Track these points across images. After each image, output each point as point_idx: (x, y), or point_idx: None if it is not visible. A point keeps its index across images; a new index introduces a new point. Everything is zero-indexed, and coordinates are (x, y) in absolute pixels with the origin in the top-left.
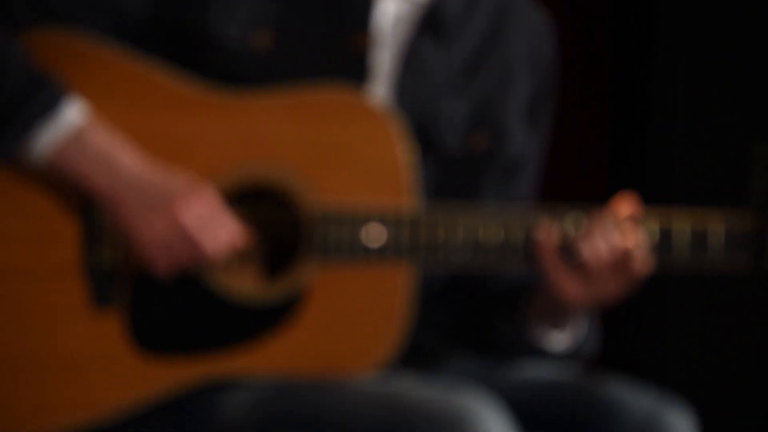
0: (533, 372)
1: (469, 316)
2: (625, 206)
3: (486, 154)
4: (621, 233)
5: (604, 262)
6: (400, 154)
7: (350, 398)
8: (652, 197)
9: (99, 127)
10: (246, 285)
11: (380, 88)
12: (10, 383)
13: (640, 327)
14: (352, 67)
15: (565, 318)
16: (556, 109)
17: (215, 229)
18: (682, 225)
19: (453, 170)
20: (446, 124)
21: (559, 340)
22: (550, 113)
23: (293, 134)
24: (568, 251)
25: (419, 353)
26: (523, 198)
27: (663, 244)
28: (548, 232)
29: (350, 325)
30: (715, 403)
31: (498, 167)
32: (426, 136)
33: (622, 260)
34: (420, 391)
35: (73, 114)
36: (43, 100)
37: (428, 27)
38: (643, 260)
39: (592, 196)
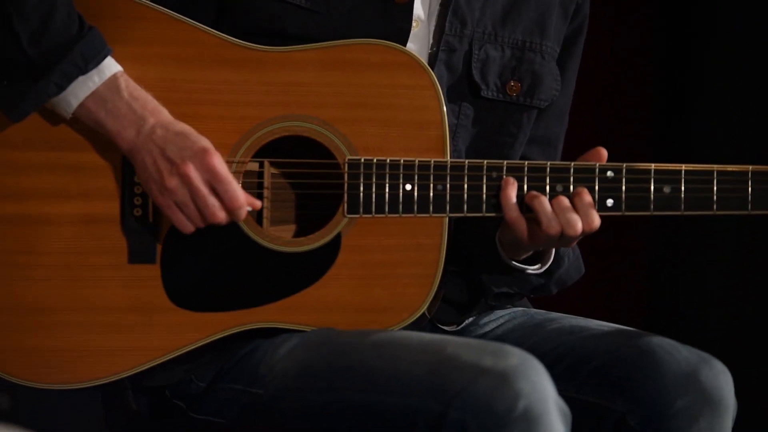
0: (577, 322)
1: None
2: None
3: (521, 100)
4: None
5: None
6: (438, 110)
7: (390, 343)
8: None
9: (131, 80)
10: (283, 236)
11: (423, 38)
12: (54, 331)
13: (680, 295)
14: (396, 18)
15: (518, 247)
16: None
17: (223, 189)
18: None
19: (490, 113)
20: (486, 70)
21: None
22: (580, 56)
23: (334, 86)
24: (527, 206)
25: (453, 304)
26: (553, 141)
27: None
28: (513, 184)
29: (387, 276)
30: (750, 364)
31: (531, 112)
32: (468, 82)
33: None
34: (463, 342)
35: (111, 65)
36: (85, 49)
37: None
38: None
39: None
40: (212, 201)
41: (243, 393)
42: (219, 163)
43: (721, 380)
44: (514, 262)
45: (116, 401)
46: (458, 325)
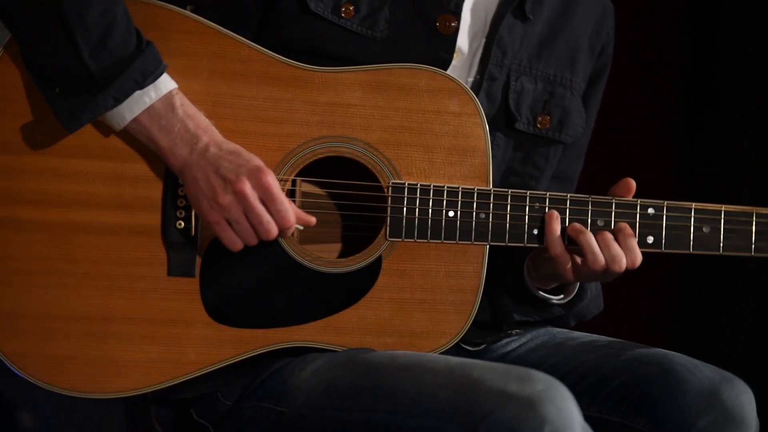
0: (599, 341)
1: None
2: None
3: (549, 134)
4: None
5: (597, 264)
6: (483, 137)
7: (416, 365)
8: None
9: (185, 97)
10: (324, 257)
11: (461, 69)
12: (89, 341)
13: (703, 313)
14: (439, 48)
15: (556, 280)
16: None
17: (276, 208)
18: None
19: (520, 146)
20: (521, 101)
21: (550, 294)
22: (602, 95)
23: (379, 109)
24: (569, 239)
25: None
26: (570, 177)
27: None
28: (557, 218)
29: (426, 301)
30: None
31: (558, 147)
32: (504, 112)
33: (609, 266)
34: (489, 366)
35: (167, 81)
36: (143, 65)
37: (511, 9)
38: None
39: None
40: (267, 218)
41: (269, 411)
42: (273, 181)
43: (743, 399)
44: (540, 292)
45: (139, 421)
46: (480, 346)
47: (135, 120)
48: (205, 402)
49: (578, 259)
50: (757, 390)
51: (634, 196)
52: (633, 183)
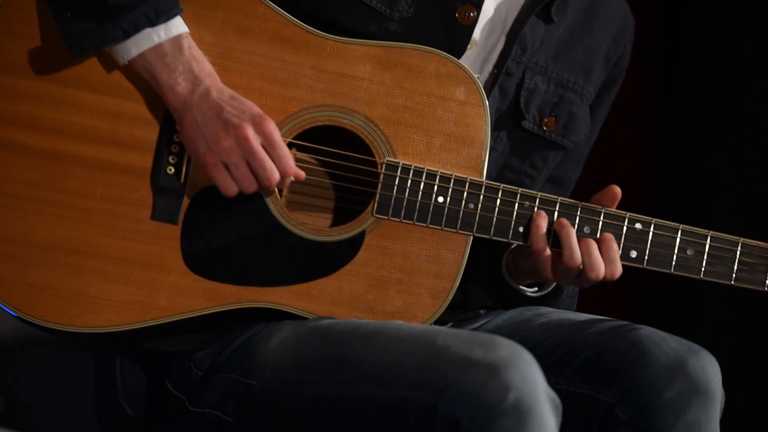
0: (566, 315)
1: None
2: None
3: (553, 137)
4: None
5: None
6: (483, 129)
7: (381, 334)
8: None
9: (194, 43)
10: (309, 224)
11: (474, 61)
12: (63, 272)
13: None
14: (455, 37)
15: (533, 277)
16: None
17: (278, 155)
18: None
19: (522, 144)
20: (531, 100)
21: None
22: (610, 106)
23: (386, 86)
24: (555, 237)
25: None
26: (566, 183)
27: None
28: (545, 218)
29: (403, 282)
30: (739, 354)
31: (558, 152)
32: (513, 108)
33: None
34: (453, 333)
35: (179, 24)
36: (159, 3)
37: (533, 5)
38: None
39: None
40: (270, 164)
41: (239, 383)
42: (275, 128)
43: (709, 370)
44: (514, 284)
45: (110, 405)
46: (447, 324)
47: (140, 55)
48: (179, 372)
49: (557, 257)
50: (723, 361)
51: (619, 207)
52: (618, 191)
